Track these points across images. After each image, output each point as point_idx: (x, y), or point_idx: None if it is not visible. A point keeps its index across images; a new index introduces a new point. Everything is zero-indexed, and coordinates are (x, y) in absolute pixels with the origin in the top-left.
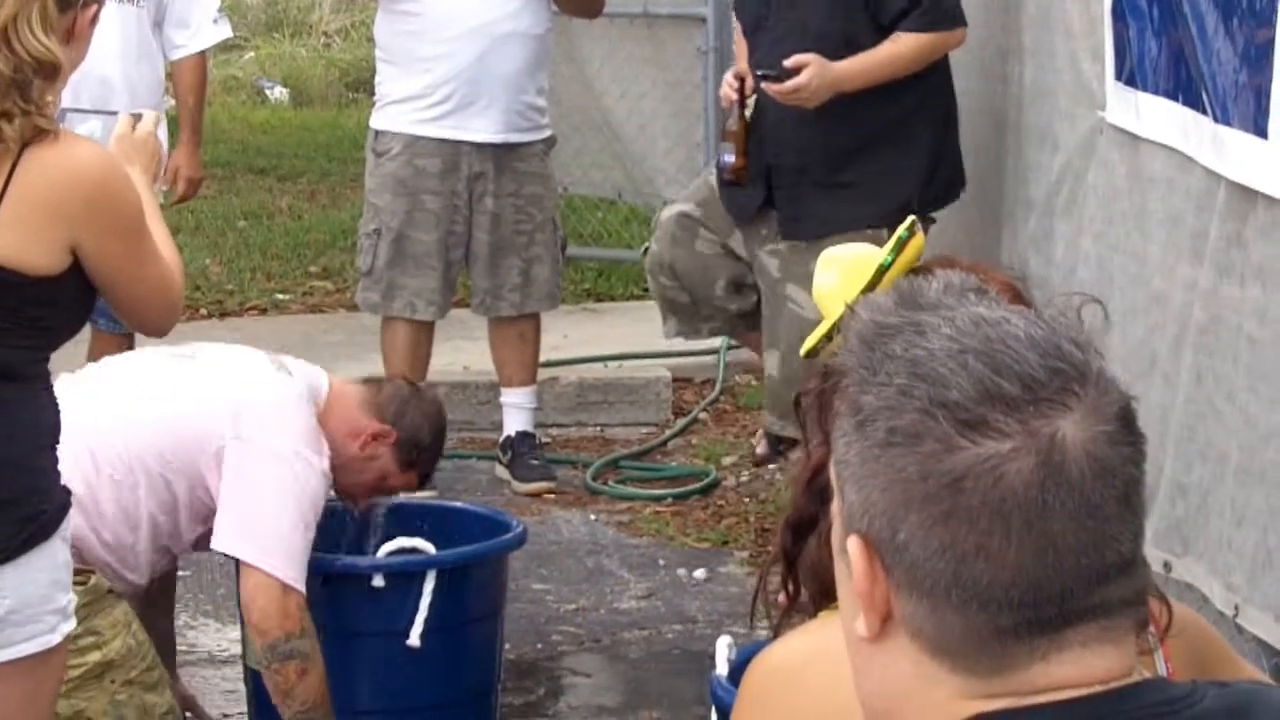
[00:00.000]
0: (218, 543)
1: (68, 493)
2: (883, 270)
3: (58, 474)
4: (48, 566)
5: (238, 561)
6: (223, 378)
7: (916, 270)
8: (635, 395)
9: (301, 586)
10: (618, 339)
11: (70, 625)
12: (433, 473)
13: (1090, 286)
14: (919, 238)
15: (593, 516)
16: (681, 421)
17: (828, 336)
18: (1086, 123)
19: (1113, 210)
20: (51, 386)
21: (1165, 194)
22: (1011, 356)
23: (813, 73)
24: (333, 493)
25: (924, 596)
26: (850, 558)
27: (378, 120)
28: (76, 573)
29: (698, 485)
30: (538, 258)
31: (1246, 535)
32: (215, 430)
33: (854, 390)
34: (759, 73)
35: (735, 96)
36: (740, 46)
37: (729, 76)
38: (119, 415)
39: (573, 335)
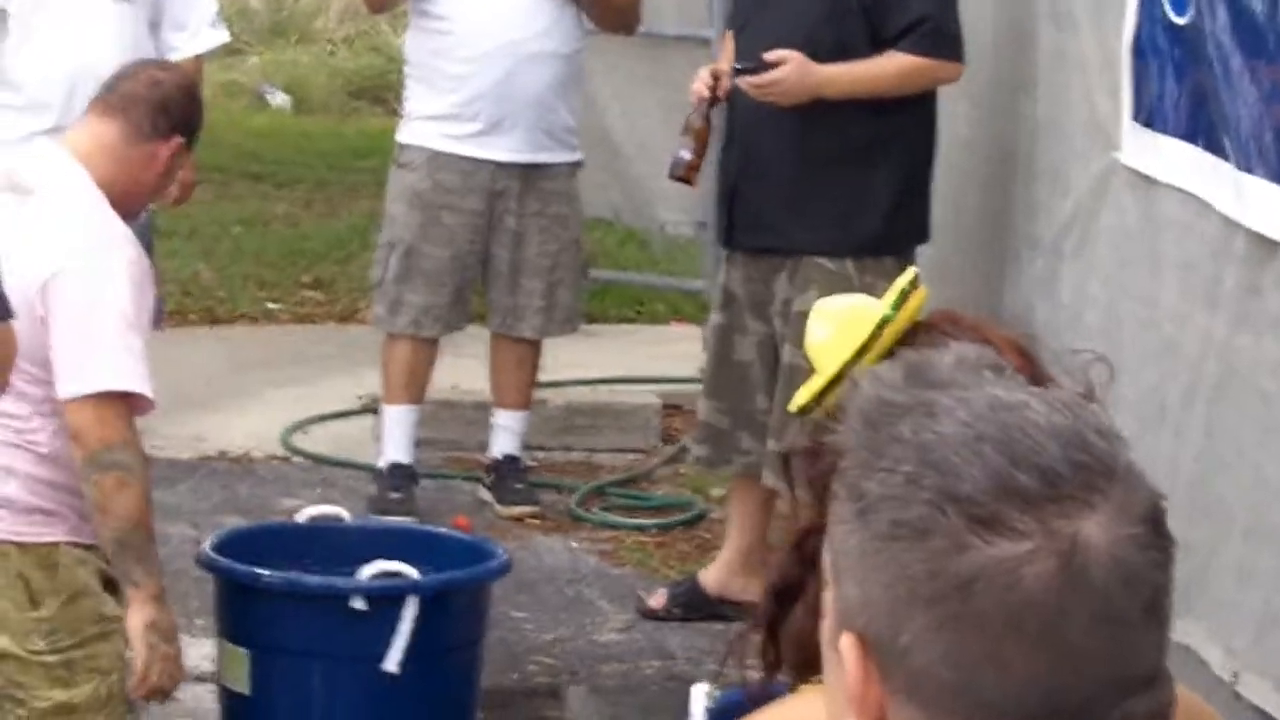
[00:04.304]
0: (60, 389)
1: None
2: (882, 325)
3: None
4: None
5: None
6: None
7: (918, 327)
8: (624, 421)
9: (125, 386)
10: (608, 363)
11: None
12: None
13: (1098, 332)
14: (921, 291)
15: (575, 544)
16: (669, 449)
17: (821, 394)
18: (1100, 163)
19: (1124, 254)
20: None
21: (1180, 239)
22: (1031, 446)
23: (792, 69)
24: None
25: (924, 705)
26: (843, 656)
27: (403, 134)
28: None
29: (683, 516)
30: (561, 281)
31: (1251, 597)
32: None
33: (855, 474)
34: (737, 66)
35: (706, 94)
36: (726, 43)
37: (703, 72)
38: None
39: (562, 357)
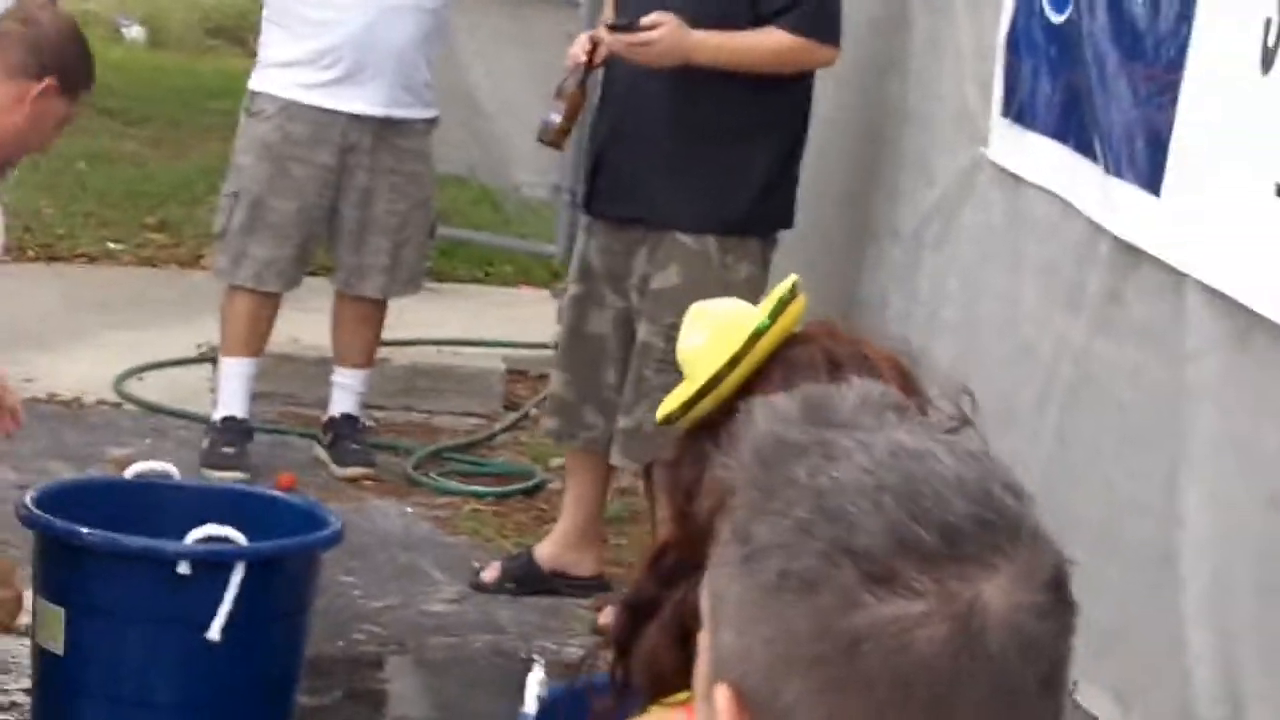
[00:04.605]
0: None
1: None
2: (757, 335)
3: None
4: None
5: None
6: None
7: (795, 338)
8: (466, 384)
9: None
10: (454, 323)
11: None
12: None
13: (955, 329)
14: (800, 301)
15: (409, 509)
16: (512, 415)
17: (689, 404)
18: (967, 156)
19: (986, 250)
20: None
21: (1044, 240)
22: (934, 500)
23: (667, 30)
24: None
25: None
26: (716, 708)
27: (255, 81)
28: None
29: (522, 485)
30: (409, 240)
31: (1095, 610)
32: None
33: (743, 515)
34: (609, 24)
35: (583, 59)
36: (606, 8)
37: (583, 37)
38: None
39: (406, 315)
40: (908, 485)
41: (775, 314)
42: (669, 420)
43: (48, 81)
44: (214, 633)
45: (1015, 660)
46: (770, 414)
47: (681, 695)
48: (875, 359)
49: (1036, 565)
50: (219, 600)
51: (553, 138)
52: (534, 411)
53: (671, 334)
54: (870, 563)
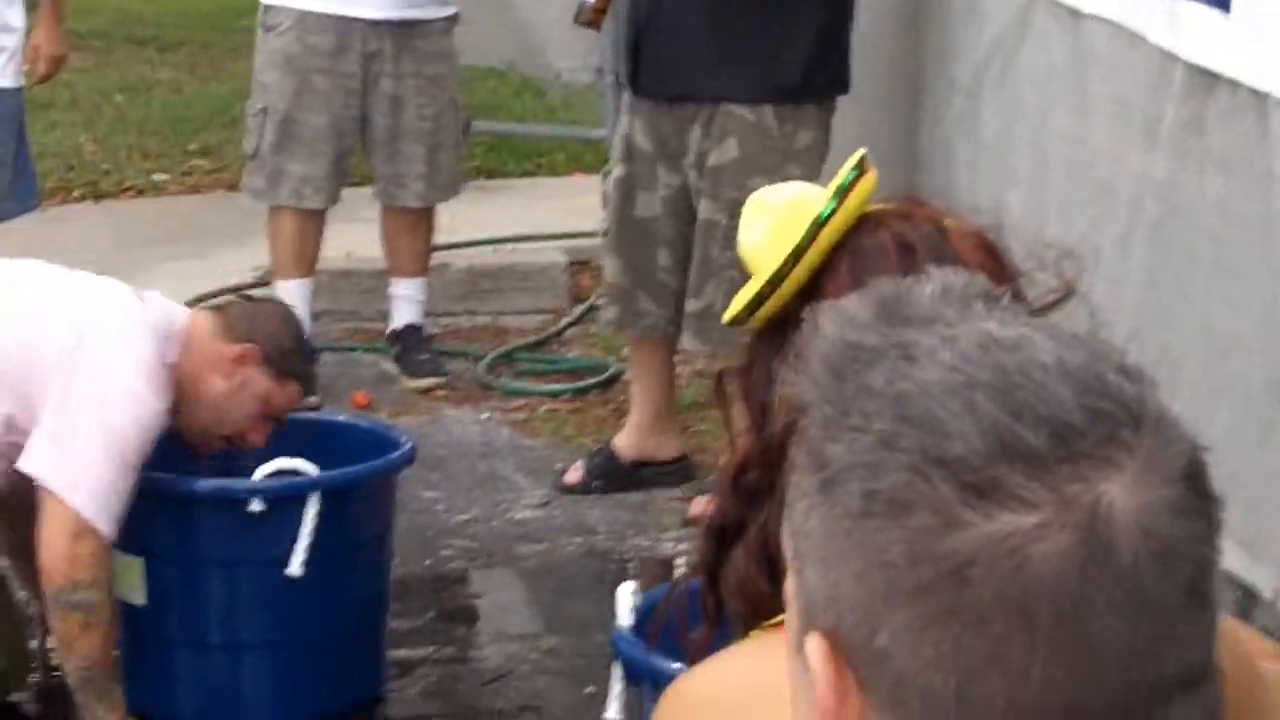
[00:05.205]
0: (25, 462)
1: None
2: (819, 224)
3: None
4: None
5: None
6: (74, 296)
7: (864, 224)
8: (530, 281)
9: (104, 529)
10: (510, 220)
11: None
12: (312, 377)
13: (1026, 176)
14: (869, 178)
15: (485, 415)
16: (579, 308)
17: (755, 303)
18: None
19: (1049, 91)
20: None
21: (1111, 74)
22: (1036, 393)
23: None
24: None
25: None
26: (810, 661)
27: None
28: None
29: (596, 380)
30: (442, 144)
31: (1208, 457)
32: (55, 349)
33: (818, 436)
34: None
35: None
36: None
37: None
38: None
39: (461, 216)
40: (1003, 379)
41: (839, 197)
42: (736, 322)
43: (249, 346)
44: (294, 568)
45: (1151, 568)
46: (838, 318)
47: (780, 617)
48: (955, 238)
49: (1165, 457)
50: (296, 535)
51: (589, 17)
52: (600, 302)
53: (735, 209)
54: (968, 472)
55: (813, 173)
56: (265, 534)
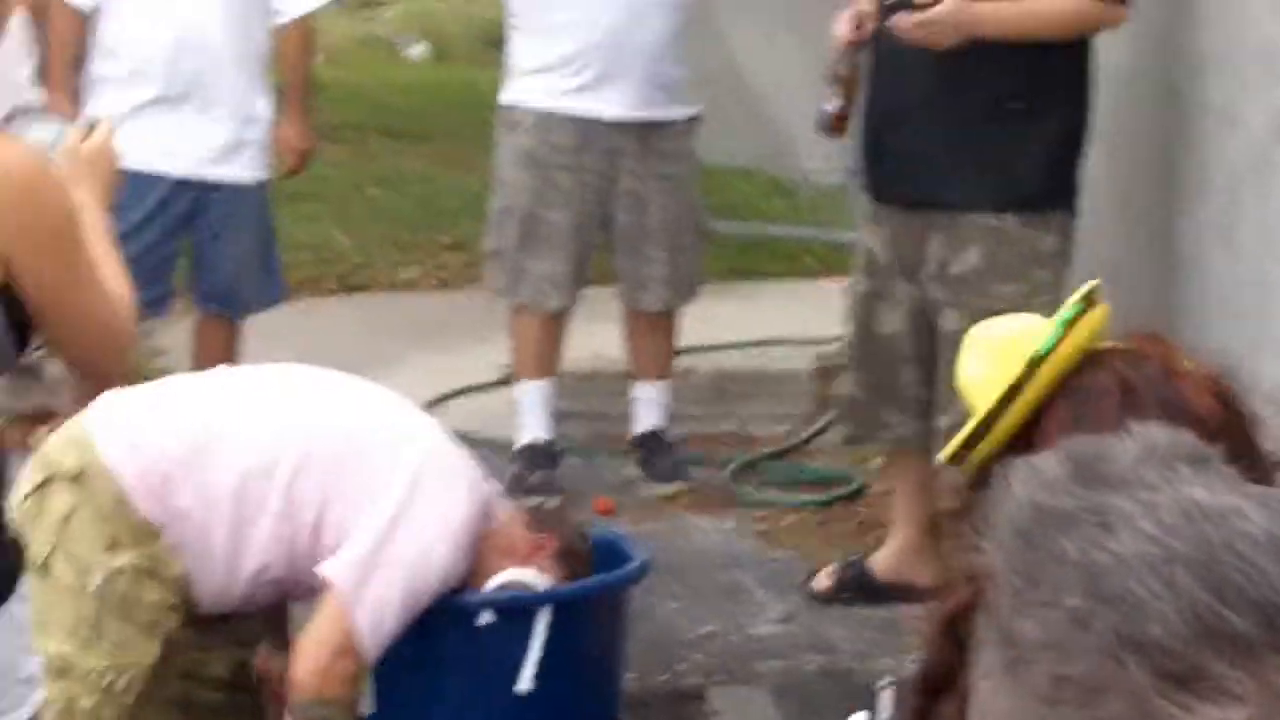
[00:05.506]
0: (330, 568)
1: (19, 549)
2: (1038, 360)
3: (4, 525)
4: (8, 630)
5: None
6: (424, 430)
7: (1089, 363)
8: (777, 386)
9: (368, 657)
10: (756, 323)
11: (39, 695)
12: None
13: None
14: (1096, 314)
15: (728, 525)
16: (826, 417)
17: (970, 441)
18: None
19: None
20: None
21: None
22: (1243, 571)
23: (951, 6)
24: None
25: None
26: None
27: (508, 94)
28: None
29: (842, 491)
30: (683, 246)
31: None
32: (400, 479)
33: (1005, 609)
34: (887, 3)
35: (850, 38)
36: None
37: (845, 15)
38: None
39: (710, 317)
40: (1208, 554)
41: (1062, 332)
42: (954, 462)
43: (547, 537)
44: (523, 683)
45: None
46: (1029, 477)
47: None
48: (1186, 382)
49: None
50: (525, 649)
51: (832, 124)
52: (837, 417)
53: (980, 318)
54: (1167, 658)
55: (1058, 278)
56: (495, 647)
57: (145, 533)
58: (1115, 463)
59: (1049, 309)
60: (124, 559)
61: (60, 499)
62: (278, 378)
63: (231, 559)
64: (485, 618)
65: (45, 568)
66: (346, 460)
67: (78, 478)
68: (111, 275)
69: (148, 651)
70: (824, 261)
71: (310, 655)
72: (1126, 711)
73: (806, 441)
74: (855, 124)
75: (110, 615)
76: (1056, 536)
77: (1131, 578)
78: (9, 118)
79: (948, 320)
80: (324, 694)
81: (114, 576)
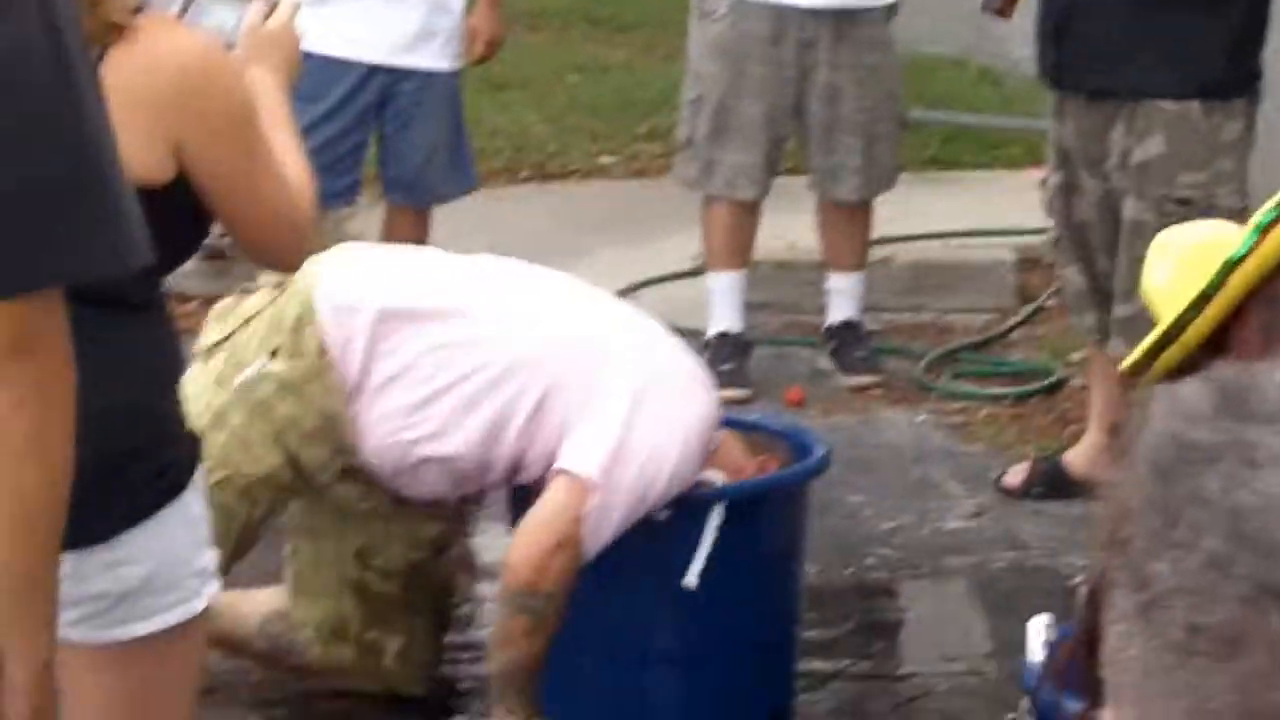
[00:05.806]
0: (570, 458)
1: (195, 440)
2: (1229, 269)
3: (182, 417)
4: (183, 523)
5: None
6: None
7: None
8: (977, 278)
9: (584, 555)
10: (959, 213)
11: (214, 587)
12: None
13: None
14: None
15: (921, 417)
16: (1026, 309)
17: (1154, 351)
18: None
19: None
20: (169, 318)
21: None
22: None
23: None
24: None
25: None
26: None
27: None
28: None
29: (1040, 384)
30: (879, 135)
31: None
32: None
33: (1139, 548)
34: None
35: None
36: None
37: None
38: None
39: (911, 207)
40: None
41: (1257, 238)
42: (1136, 371)
43: (766, 459)
44: (690, 579)
45: None
46: (1171, 408)
47: None
48: None
49: None
50: (695, 546)
51: (999, 5)
52: (1050, 303)
53: (1164, 206)
54: None
55: (1240, 167)
56: (667, 544)
57: (314, 354)
58: (1266, 395)
59: (1232, 198)
60: (279, 366)
61: (255, 299)
62: (509, 266)
63: (403, 427)
64: (661, 513)
65: (208, 354)
66: (581, 360)
67: (280, 284)
68: (291, 163)
69: (261, 460)
70: (1031, 152)
71: (529, 542)
72: (1266, 666)
73: (1006, 333)
74: (1029, 7)
75: (238, 410)
76: (1197, 472)
77: (1276, 520)
78: (188, 2)
79: (1130, 209)
80: (539, 585)
81: (261, 379)
